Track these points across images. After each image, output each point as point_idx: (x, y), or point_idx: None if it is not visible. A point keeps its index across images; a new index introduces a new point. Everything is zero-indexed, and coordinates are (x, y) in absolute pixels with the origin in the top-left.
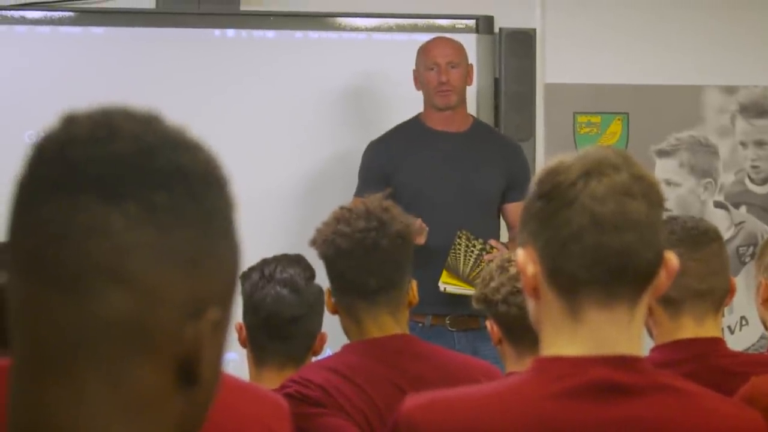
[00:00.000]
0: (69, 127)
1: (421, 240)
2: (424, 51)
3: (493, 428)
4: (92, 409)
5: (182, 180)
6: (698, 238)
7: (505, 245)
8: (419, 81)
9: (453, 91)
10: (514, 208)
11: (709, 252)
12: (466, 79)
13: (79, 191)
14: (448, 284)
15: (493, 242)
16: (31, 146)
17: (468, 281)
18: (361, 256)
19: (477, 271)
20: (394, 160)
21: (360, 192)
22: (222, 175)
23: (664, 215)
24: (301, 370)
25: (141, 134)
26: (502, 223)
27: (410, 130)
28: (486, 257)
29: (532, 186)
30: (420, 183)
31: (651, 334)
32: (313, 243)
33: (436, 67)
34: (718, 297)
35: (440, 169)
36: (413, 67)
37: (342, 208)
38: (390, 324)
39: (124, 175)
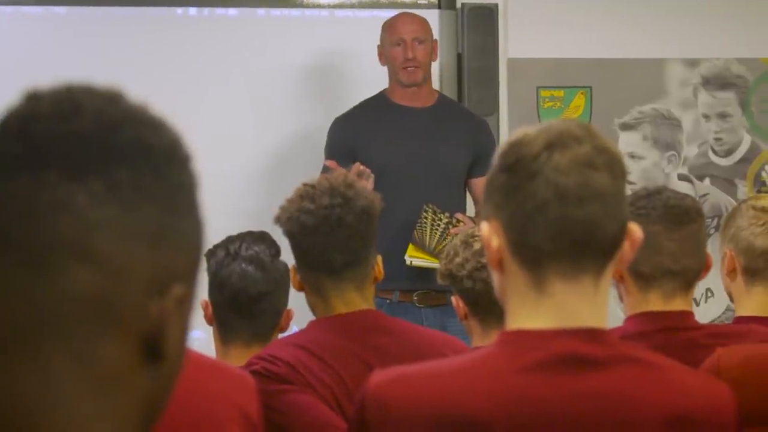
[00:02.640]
0: (32, 104)
1: (369, 186)
2: (389, 27)
3: (459, 402)
4: (58, 386)
5: (146, 156)
6: (678, 217)
7: (472, 219)
8: (384, 57)
9: (419, 67)
10: (480, 183)
11: (687, 233)
12: (432, 54)
13: (43, 168)
14: (414, 258)
15: (459, 216)
16: None
17: (434, 254)
18: (326, 233)
19: (443, 244)
20: (359, 136)
21: (326, 169)
22: (185, 152)
23: (638, 188)
24: (268, 347)
25: (104, 111)
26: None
27: (375, 106)
28: (452, 230)
29: (496, 158)
30: (385, 158)
31: (621, 300)
32: (278, 220)
33: (402, 43)
34: (691, 277)
35: (406, 144)
36: (377, 43)
37: (305, 184)
38: (356, 300)
39: (87, 151)
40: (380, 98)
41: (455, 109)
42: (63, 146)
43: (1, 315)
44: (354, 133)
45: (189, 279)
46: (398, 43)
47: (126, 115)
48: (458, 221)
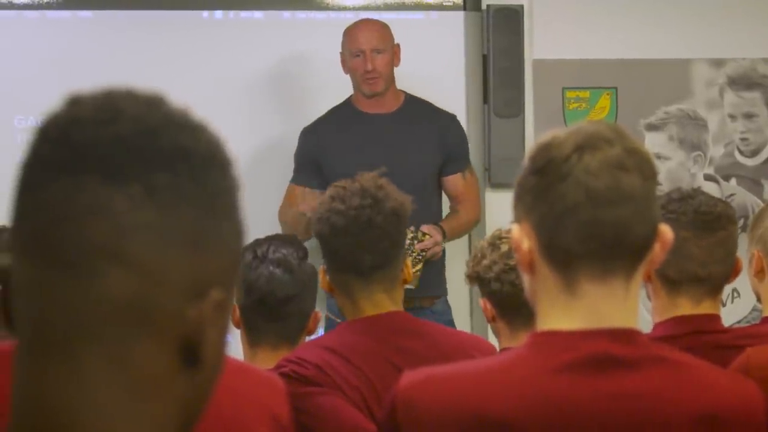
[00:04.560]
0: (72, 109)
1: (303, 207)
2: (348, 36)
3: (490, 403)
4: (94, 391)
5: (185, 161)
6: (708, 224)
7: (441, 228)
8: (346, 65)
9: (380, 78)
10: (453, 180)
11: (716, 240)
12: (393, 61)
13: (83, 172)
14: None
15: (425, 228)
16: (35, 128)
17: None
18: (356, 233)
19: (408, 260)
20: (323, 144)
21: (295, 178)
22: (225, 157)
23: (671, 189)
24: (296, 349)
25: (144, 116)
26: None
27: (341, 114)
28: (418, 246)
29: (526, 161)
30: (350, 166)
31: (649, 299)
32: (308, 223)
33: (361, 54)
34: (718, 283)
35: (371, 152)
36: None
37: (336, 186)
38: (385, 302)
39: (126, 156)
40: (346, 106)
41: (422, 109)
42: (102, 151)
43: (37, 319)
44: (317, 143)
45: (227, 283)
46: (358, 54)
47: (166, 120)
48: (424, 235)
